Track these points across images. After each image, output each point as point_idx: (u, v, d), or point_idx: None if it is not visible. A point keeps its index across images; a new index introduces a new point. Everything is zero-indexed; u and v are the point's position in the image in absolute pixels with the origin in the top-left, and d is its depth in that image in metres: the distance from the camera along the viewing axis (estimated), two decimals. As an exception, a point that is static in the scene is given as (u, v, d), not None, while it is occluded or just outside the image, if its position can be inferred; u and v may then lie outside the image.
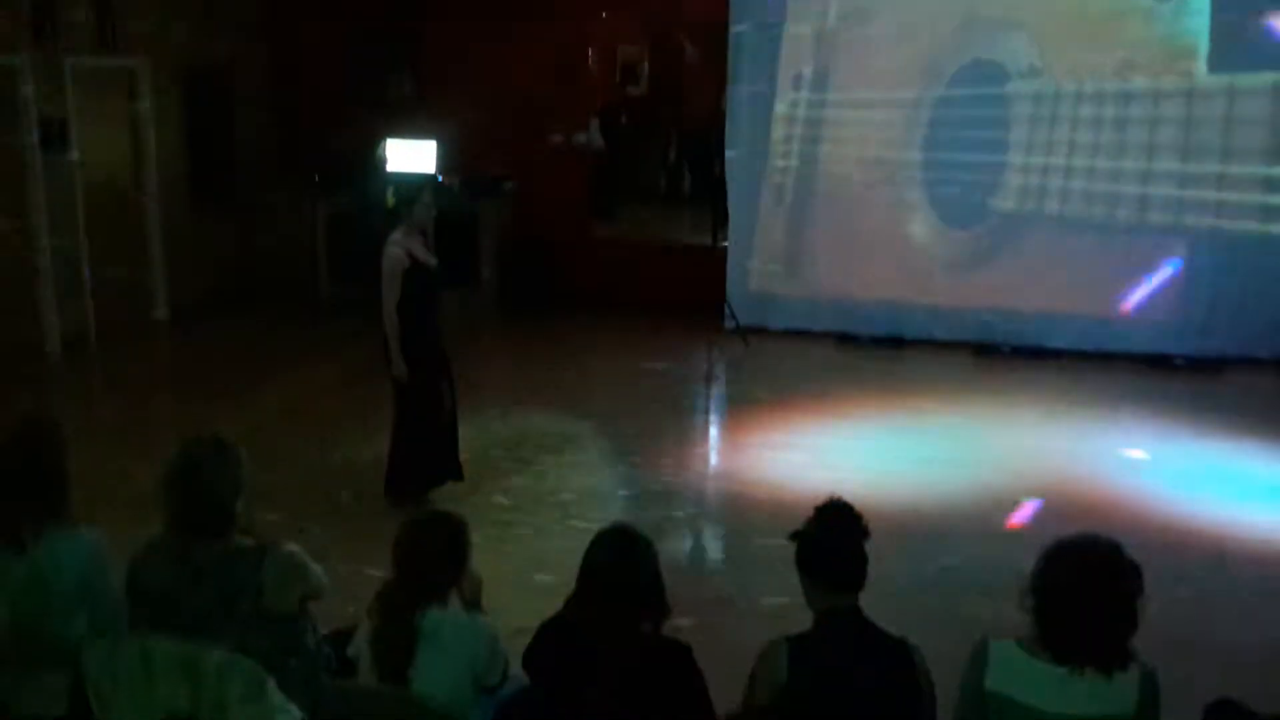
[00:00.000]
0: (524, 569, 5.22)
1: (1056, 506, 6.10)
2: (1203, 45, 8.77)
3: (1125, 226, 9.16)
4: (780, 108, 9.77)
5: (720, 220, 10.18)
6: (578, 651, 2.87)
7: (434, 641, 2.96)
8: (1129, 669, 2.62)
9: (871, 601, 2.96)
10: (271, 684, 2.90)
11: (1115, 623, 2.62)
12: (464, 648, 3.00)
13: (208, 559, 3.01)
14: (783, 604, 3.62)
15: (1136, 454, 7.09)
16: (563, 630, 2.98)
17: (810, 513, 2.99)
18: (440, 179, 10.37)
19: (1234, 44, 8.68)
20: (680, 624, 3.24)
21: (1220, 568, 5.51)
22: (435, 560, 3.04)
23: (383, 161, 10.51)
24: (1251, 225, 8.96)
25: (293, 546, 3.14)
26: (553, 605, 3.08)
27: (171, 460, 3.05)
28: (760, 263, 9.99)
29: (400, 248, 5.73)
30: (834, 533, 2.95)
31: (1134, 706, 2.61)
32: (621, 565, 2.90)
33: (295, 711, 2.94)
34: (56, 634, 3.06)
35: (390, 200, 6.15)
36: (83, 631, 3.07)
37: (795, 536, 2.98)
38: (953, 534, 5.81)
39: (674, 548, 5.48)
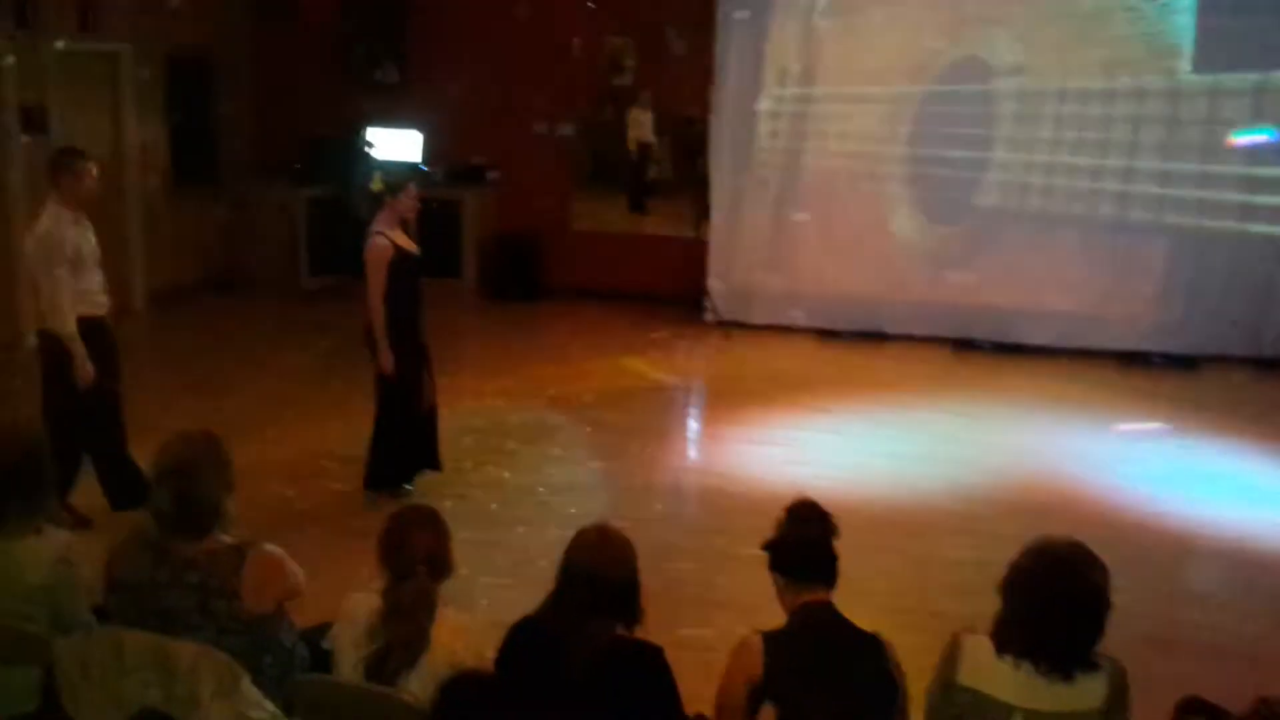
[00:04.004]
0: (517, 562, 5.21)
1: (1031, 503, 6.13)
2: (1187, 45, 8.82)
3: (1107, 224, 9.22)
4: (766, 102, 9.77)
5: (703, 213, 10.18)
6: (548, 651, 2.86)
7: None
8: (1098, 668, 2.64)
9: (844, 598, 2.99)
10: (246, 679, 2.89)
11: (1080, 626, 2.62)
12: (452, 646, 2.97)
13: (188, 557, 2.98)
14: (753, 601, 3.62)
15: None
16: (534, 630, 2.96)
17: (783, 512, 3.03)
18: (424, 168, 10.36)
19: (1218, 44, 8.72)
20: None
21: (1191, 565, 5.56)
22: (427, 559, 2.99)
23: (366, 149, 10.49)
24: (1230, 224, 9.03)
25: (271, 547, 3.11)
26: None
27: (163, 455, 3.02)
28: (742, 256, 9.99)
29: (384, 237, 5.70)
30: (804, 530, 2.99)
31: (1102, 702, 2.63)
32: (601, 567, 2.88)
33: (269, 706, 2.94)
34: (23, 631, 3.04)
35: (377, 185, 6.03)
36: (44, 631, 3.05)
37: (767, 547, 3.01)
38: (928, 530, 5.84)
39: (650, 545, 5.47)
